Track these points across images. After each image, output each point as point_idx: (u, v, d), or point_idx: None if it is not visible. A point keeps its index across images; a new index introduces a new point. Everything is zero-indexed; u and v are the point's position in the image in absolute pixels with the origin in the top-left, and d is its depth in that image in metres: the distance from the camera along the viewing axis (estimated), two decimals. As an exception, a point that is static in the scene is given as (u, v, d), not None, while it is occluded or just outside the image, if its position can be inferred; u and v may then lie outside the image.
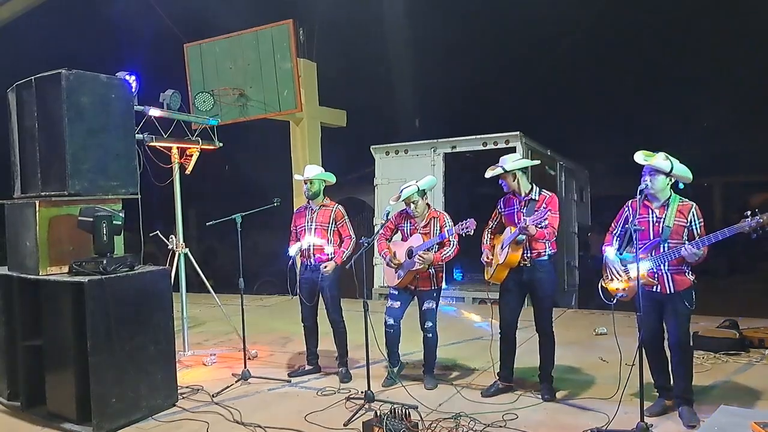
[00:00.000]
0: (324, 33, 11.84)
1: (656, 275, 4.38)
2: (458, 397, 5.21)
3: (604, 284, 4.59)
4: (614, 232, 4.66)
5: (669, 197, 4.43)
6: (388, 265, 5.57)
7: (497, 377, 5.31)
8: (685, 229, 4.35)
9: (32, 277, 4.86)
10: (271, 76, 9.59)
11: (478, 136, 10.29)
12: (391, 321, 5.54)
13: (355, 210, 13.77)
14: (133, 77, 5.65)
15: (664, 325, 4.51)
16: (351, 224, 5.91)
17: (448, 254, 5.35)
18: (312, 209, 5.89)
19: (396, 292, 5.57)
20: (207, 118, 7.21)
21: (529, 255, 5.00)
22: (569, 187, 12.29)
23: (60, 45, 10.89)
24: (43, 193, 4.83)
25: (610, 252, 4.57)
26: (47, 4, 12.33)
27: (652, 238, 4.40)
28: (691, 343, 4.61)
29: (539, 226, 4.79)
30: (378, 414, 4.57)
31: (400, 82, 14.85)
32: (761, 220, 3.94)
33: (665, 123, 15.80)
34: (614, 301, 4.49)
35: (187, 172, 6.86)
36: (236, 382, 5.79)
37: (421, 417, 4.65)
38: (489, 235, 5.28)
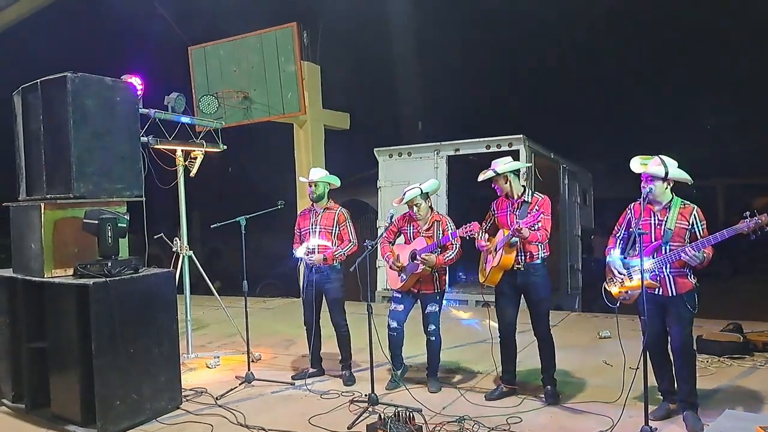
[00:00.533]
0: (328, 36, 11.85)
1: (658, 278, 4.38)
2: (462, 401, 5.21)
3: (607, 287, 4.58)
4: (617, 235, 4.65)
5: (670, 200, 4.42)
6: (391, 268, 5.57)
7: (500, 381, 5.31)
8: (687, 232, 4.34)
9: (37, 279, 4.87)
10: (275, 78, 9.63)
11: (482, 139, 10.29)
12: (394, 324, 5.54)
13: (358, 212, 13.78)
14: (138, 80, 5.65)
15: (667, 328, 4.50)
16: (353, 228, 5.92)
17: (450, 257, 5.36)
18: (316, 212, 5.90)
19: (399, 295, 5.58)
20: (211, 120, 7.22)
21: (522, 258, 5.01)
22: (572, 190, 12.28)
23: (65, 48, 10.93)
24: (48, 196, 4.85)
25: (613, 255, 4.57)
26: (53, 6, 12.37)
27: (653, 241, 4.40)
28: (695, 347, 4.60)
29: (532, 228, 4.78)
30: (382, 417, 4.57)
31: (403, 84, 14.88)
32: (759, 221, 3.95)
33: (668, 125, 15.81)
34: (617, 305, 4.49)
35: (192, 174, 6.87)
36: (240, 384, 5.79)
37: (425, 420, 4.65)
38: (484, 234, 5.27)
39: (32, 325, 5.07)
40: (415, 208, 5.45)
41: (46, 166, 4.86)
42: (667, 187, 4.39)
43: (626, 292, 4.43)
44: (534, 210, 4.95)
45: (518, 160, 9.40)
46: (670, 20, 13.46)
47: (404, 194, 5.45)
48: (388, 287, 6.00)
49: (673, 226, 4.34)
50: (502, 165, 5.09)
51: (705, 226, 4.34)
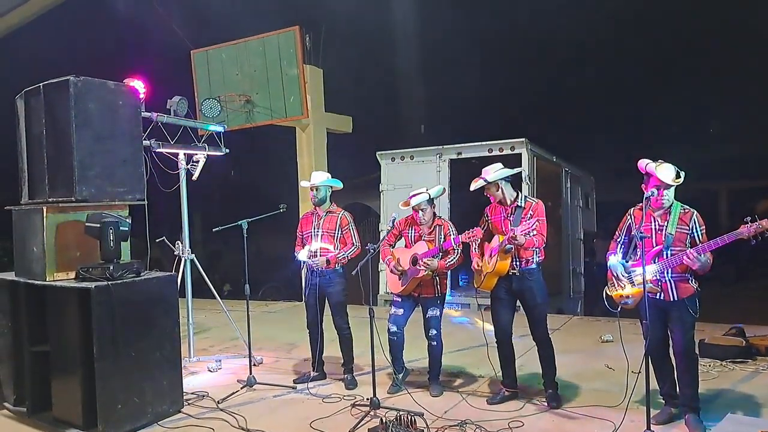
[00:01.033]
0: (330, 39, 11.87)
1: (659, 283, 4.37)
2: (464, 405, 5.20)
3: (608, 292, 4.58)
4: (618, 240, 4.65)
5: (671, 205, 4.42)
6: (392, 271, 5.57)
7: (502, 385, 5.30)
8: (688, 236, 4.34)
9: (39, 282, 4.88)
10: (278, 82, 9.65)
11: (484, 143, 10.29)
12: (394, 328, 5.53)
13: (360, 216, 13.79)
14: (141, 84, 5.67)
15: (669, 332, 4.49)
16: (356, 231, 5.92)
17: (452, 262, 5.35)
18: (319, 215, 5.90)
19: (399, 300, 5.57)
20: (214, 124, 7.23)
21: (517, 264, 5.01)
22: (575, 194, 12.26)
23: (68, 52, 10.97)
24: (50, 199, 4.86)
25: (613, 260, 4.56)
26: (55, 11, 12.41)
27: (655, 245, 4.39)
28: (697, 351, 4.59)
29: (527, 234, 4.78)
30: (383, 421, 4.57)
31: (406, 88, 14.89)
32: (760, 226, 3.95)
33: (671, 129, 15.80)
34: (618, 309, 4.48)
35: (194, 178, 6.88)
36: (241, 388, 5.79)
37: (426, 424, 4.64)
38: (477, 242, 5.27)
39: (34, 329, 5.08)
40: (420, 213, 5.45)
41: (49, 169, 4.87)
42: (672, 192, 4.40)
43: (627, 297, 4.42)
44: (528, 215, 4.95)
45: (520, 164, 9.41)
46: (673, 24, 13.46)
47: (411, 198, 5.44)
48: (389, 291, 5.99)
49: (674, 231, 4.34)
50: (493, 173, 5.08)
51: (704, 230, 4.34)
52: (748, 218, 4.01)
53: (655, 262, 4.36)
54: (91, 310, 4.51)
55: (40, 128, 4.89)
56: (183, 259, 6.71)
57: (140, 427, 4.79)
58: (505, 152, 9.87)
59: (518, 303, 5.21)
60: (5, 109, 5.45)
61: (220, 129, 7.07)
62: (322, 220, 5.86)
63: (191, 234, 6.96)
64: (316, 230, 5.85)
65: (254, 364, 6.28)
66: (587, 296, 12.29)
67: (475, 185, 5.15)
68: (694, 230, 4.34)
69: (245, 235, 5.84)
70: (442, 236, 5.41)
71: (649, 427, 4.04)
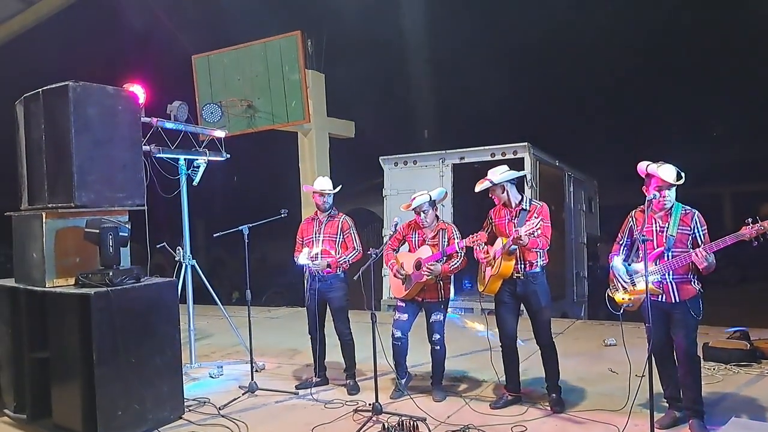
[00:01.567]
0: (332, 44, 11.88)
1: (661, 284, 4.34)
2: (467, 409, 5.17)
3: (610, 294, 4.55)
4: (620, 242, 4.63)
5: (671, 206, 4.40)
6: (395, 276, 5.54)
7: (505, 389, 5.27)
8: (690, 237, 4.32)
9: (39, 289, 4.86)
10: (279, 87, 9.66)
11: (487, 147, 10.27)
12: (398, 334, 5.50)
13: (363, 221, 13.76)
14: (141, 89, 5.66)
15: (671, 335, 4.46)
16: (358, 236, 5.89)
17: (455, 266, 5.33)
18: (320, 221, 5.89)
19: (403, 305, 5.54)
20: (215, 129, 7.22)
21: (522, 267, 4.98)
22: (578, 198, 12.23)
23: (68, 58, 10.99)
24: (50, 205, 4.85)
25: (616, 262, 4.54)
26: (56, 17, 12.46)
27: (656, 247, 4.37)
28: (699, 354, 4.56)
29: (531, 235, 4.75)
30: (386, 426, 4.55)
31: (408, 93, 14.89)
32: (762, 228, 3.94)
33: (674, 132, 15.74)
34: (621, 312, 4.45)
35: (194, 183, 6.87)
36: (243, 394, 5.76)
37: (429, 429, 4.62)
38: (483, 245, 5.23)
39: (34, 335, 5.05)
40: (422, 215, 5.43)
41: (48, 175, 4.86)
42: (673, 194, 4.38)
43: (629, 299, 4.39)
44: (533, 218, 4.92)
45: (523, 168, 9.39)
46: (676, 27, 13.44)
47: (412, 200, 5.42)
48: (393, 296, 5.96)
49: (675, 233, 4.32)
50: (499, 175, 5.07)
51: (706, 231, 4.33)
52: (750, 219, 4.01)
53: (656, 264, 4.33)
54: (91, 316, 4.49)
55: (40, 134, 4.88)
56: (184, 265, 6.69)
57: (141, 434, 4.77)
58: (507, 156, 9.85)
59: (522, 307, 5.18)
60: (5, 114, 5.45)
61: (220, 134, 7.05)
62: (323, 225, 5.85)
63: (193, 240, 6.94)
64: (317, 235, 5.84)
65: (256, 370, 6.25)
66: (591, 300, 12.24)
67: (480, 186, 5.13)
68: (696, 231, 4.32)
69: (246, 241, 5.83)
70: (446, 240, 5.39)
71: (652, 431, 4.00)
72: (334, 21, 11.79)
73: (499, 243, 5.03)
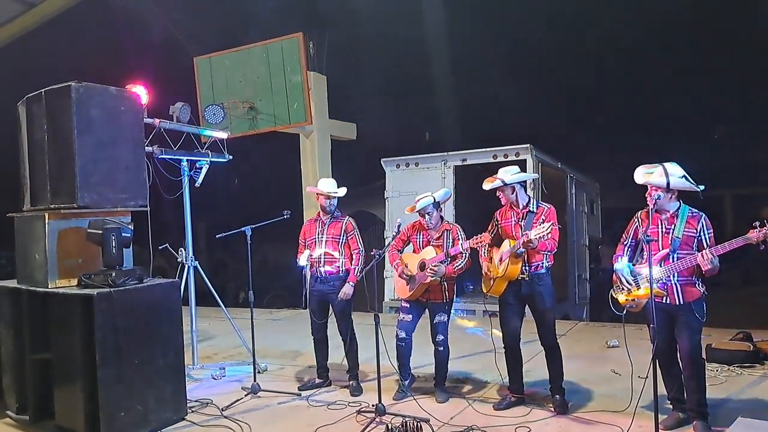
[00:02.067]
0: (334, 46, 11.88)
1: (665, 286, 4.33)
2: (470, 411, 5.16)
3: (614, 294, 4.55)
4: (625, 243, 4.62)
5: (678, 208, 4.39)
6: (400, 276, 5.53)
7: (508, 390, 5.25)
8: (695, 240, 4.32)
9: (41, 290, 4.86)
10: (281, 89, 9.65)
11: (489, 149, 10.27)
12: (402, 334, 5.50)
13: (365, 223, 13.75)
14: (143, 89, 5.66)
15: (675, 337, 4.45)
16: (361, 237, 5.89)
17: (460, 266, 5.32)
18: (323, 222, 5.88)
19: (408, 305, 5.54)
20: (217, 130, 7.22)
21: (527, 269, 4.97)
22: (579, 200, 12.22)
23: (70, 59, 11.00)
24: (52, 206, 4.84)
25: (620, 263, 4.53)
26: (58, 18, 12.48)
27: (661, 249, 4.36)
28: (704, 356, 4.55)
29: (540, 238, 4.74)
30: (389, 427, 4.54)
31: (410, 95, 14.87)
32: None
33: (676, 135, 15.72)
34: (624, 312, 4.44)
35: (197, 184, 6.86)
36: (246, 395, 5.75)
37: (432, 430, 4.62)
38: (486, 246, 5.23)
39: (36, 337, 5.04)
40: (426, 217, 5.42)
41: (51, 176, 4.86)
42: (672, 197, 4.36)
43: (633, 300, 4.38)
44: (540, 221, 4.91)
45: (525, 170, 9.38)
46: (677, 30, 13.42)
47: (417, 202, 5.42)
48: (396, 297, 5.96)
49: (681, 235, 4.32)
50: (510, 175, 5.06)
51: (712, 234, 4.33)
52: (757, 223, 4.01)
53: (661, 266, 4.33)
54: (94, 317, 4.49)
55: (42, 134, 4.88)
56: (186, 266, 6.69)
57: (143, 435, 4.76)
58: (510, 158, 9.86)
59: (526, 308, 5.17)
60: (7, 115, 5.45)
61: (223, 135, 7.05)
62: (326, 226, 5.84)
63: (196, 241, 6.94)
64: (320, 236, 5.83)
65: (259, 372, 6.24)
66: (593, 302, 12.22)
67: (490, 185, 5.10)
68: (702, 234, 4.31)
69: (249, 242, 5.82)
70: (451, 241, 5.38)
71: (657, 432, 3.99)
72: (337, 23, 11.79)
73: (506, 245, 5.01)
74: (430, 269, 5.24)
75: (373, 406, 5.03)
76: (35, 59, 12.21)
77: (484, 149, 10.36)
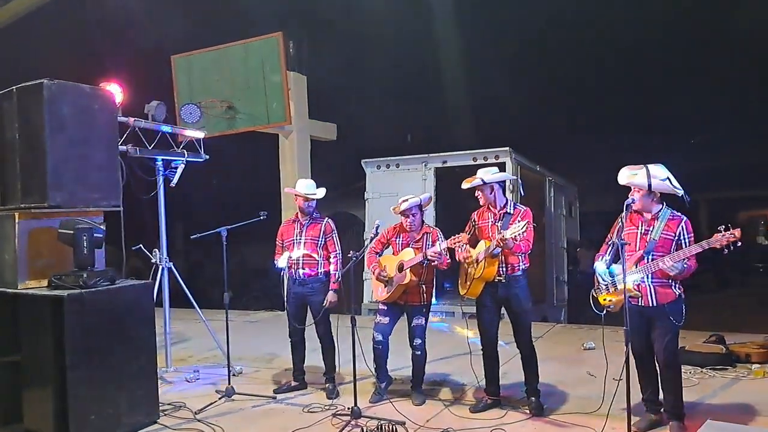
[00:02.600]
0: (314, 46, 11.84)
1: (638, 287, 4.37)
2: (446, 413, 5.16)
3: (594, 295, 4.57)
4: (609, 242, 4.65)
5: (659, 210, 4.42)
6: (377, 279, 5.51)
7: (485, 393, 5.26)
8: (674, 243, 4.34)
9: (10, 290, 4.76)
10: (260, 88, 9.60)
11: (469, 152, 10.31)
12: (379, 337, 5.48)
13: (345, 225, 13.70)
14: (118, 87, 5.58)
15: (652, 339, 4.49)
16: (339, 240, 5.86)
17: (439, 257, 5.26)
18: (301, 223, 5.84)
19: (385, 308, 5.52)
20: (193, 129, 7.15)
21: (504, 270, 4.98)
22: (558, 203, 12.30)
23: (43, 56, 10.82)
24: (22, 205, 4.75)
25: (599, 264, 4.56)
26: (30, 16, 12.28)
27: (637, 249, 4.39)
28: (679, 359, 4.58)
29: (515, 239, 4.75)
30: (364, 430, 4.53)
31: (390, 96, 14.87)
32: (732, 236, 3.99)
33: (654, 139, 15.91)
34: (604, 312, 4.47)
35: (172, 184, 6.79)
36: (220, 398, 5.68)
37: (407, 433, 4.59)
38: (464, 246, 5.23)
39: (6, 338, 4.92)
40: (410, 218, 5.41)
41: (22, 174, 4.76)
42: (653, 199, 4.39)
43: (611, 300, 4.41)
44: (516, 221, 4.93)
45: (504, 172, 9.41)
46: (657, 35, 13.57)
47: (401, 203, 5.40)
48: (374, 300, 5.94)
49: (658, 237, 4.35)
50: (490, 175, 5.09)
51: (692, 238, 4.35)
52: (722, 227, 4.04)
53: (636, 267, 4.36)
54: (64, 318, 4.41)
55: (13, 132, 4.78)
56: (160, 268, 6.60)
57: (114, 439, 4.68)
58: (489, 161, 9.89)
59: (503, 311, 5.18)
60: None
61: (199, 135, 6.98)
62: (305, 227, 5.80)
63: (171, 242, 6.85)
64: (298, 237, 5.79)
65: (233, 374, 6.19)
66: (570, 304, 12.31)
67: (469, 184, 5.12)
68: (682, 237, 4.33)
69: (225, 243, 5.76)
70: (430, 243, 5.38)
71: (629, 434, 4.02)
72: (316, 23, 11.75)
73: (482, 246, 5.02)
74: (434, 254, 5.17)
75: (348, 409, 5.01)
76: (6, 56, 11.99)
77: (464, 152, 10.40)
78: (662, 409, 4.57)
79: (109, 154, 5.11)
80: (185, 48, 10.11)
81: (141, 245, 6.42)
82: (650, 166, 4.36)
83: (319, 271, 5.75)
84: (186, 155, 6.79)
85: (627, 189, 4.48)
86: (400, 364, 6.04)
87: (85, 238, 4.68)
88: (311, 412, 5.29)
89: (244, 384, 6.13)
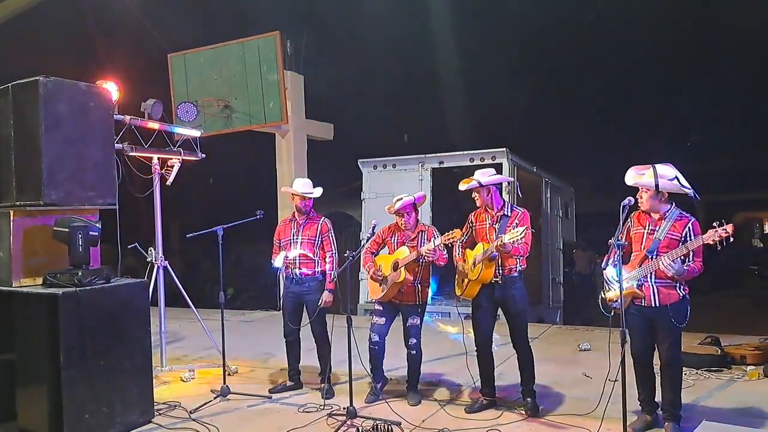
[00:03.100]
0: (312, 46, 11.82)
1: (641, 286, 4.37)
2: (442, 414, 5.15)
3: (603, 295, 4.57)
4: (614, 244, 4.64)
5: (668, 210, 4.40)
6: (372, 278, 5.51)
7: (480, 393, 5.25)
8: (680, 243, 4.30)
9: (5, 289, 4.73)
10: (257, 87, 9.58)
11: (466, 152, 10.32)
12: (376, 338, 5.48)
13: (342, 224, 13.69)
14: (114, 85, 5.56)
15: (653, 339, 4.49)
16: (336, 239, 5.85)
17: (434, 254, 5.26)
18: (298, 222, 5.83)
19: (381, 308, 5.52)
20: (190, 128, 7.13)
21: (500, 272, 4.98)
22: (554, 204, 12.31)
23: (40, 53, 10.78)
24: (18, 203, 4.72)
25: (609, 267, 4.56)
26: (28, 12, 12.22)
27: (642, 249, 4.39)
28: (681, 359, 4.59)
29: (514, 243, 4.75)
30: (360, 430, 4.51)
31: (387, 96, 14.87)
32: (725, 231, 3.99)
33: (650, 141, 15.95)
34: (611, 313, 4.47)
35: (168, 183, 6.76)
36: (215, 398, 5.66)
37: (403, 433, 4.58)
38: (460, 247, 5.23)
39: (0, 337, 4.92)
40: (405, 217, 5.41)
41: (17, 172, 4.73)
42: (662, 199, 4.37)
43: (615, 301, 4.41)
44: (514, 224, 4.93)
45: (501, 173, 9.42)
46: (652, 37, 13.60)
47: (395, 202, 5.40)
48: (370, 299, 5.93)
49: (663, 237, 4.34)
50: (487, 177, 5.08)
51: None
52: (716, 223, 4.04)
53: (640, 267, 4.36)
54: (59, 317, 4.39)
55: (9, 130, 4.75)
56: (156, 266, 6.58)
57: (109, 438, 4.66)
58: (486, 162, 9.90)
59: (499, 312, 5.18)
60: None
61: (195, 134, 6.96)
62: (302, 227, 5.79)
63: (168, 241, 6.84)
64: (295, 237, 5.78)
65: (229, 374, 6.17)
66: (566, 305, 12.32)
67: (466, 185, 5.10)
68: (689, 238, 4.29)
69: (221, 242, 5.75)
70: (426, 241, 5.37)
71: (625, 436, 4.02)
72: (315, 23, 11.73)
73: (480, 248, 5.02)
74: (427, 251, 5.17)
75: (344, 409, 5.00)
76: (2, 53, 11.93)
77: (461, 152, 10.41)
78: (659, 409, 4.57)
79: (105, 152, 5.08)
80: (182, 46, 10.07)
81: (137, 244, 6.40)
82: (658, 166, 4.34)
83: (316, 270, 5.75)
84: (182, 154, 6.77)
85: (625, 189, 4.47)
86: (395, 364, 6.04)
87: (80, 236, 4.66)
88: (306, 411, 5.28)
89: (240, 383, 6.12)
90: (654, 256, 4.33)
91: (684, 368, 5.99)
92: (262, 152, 12.08)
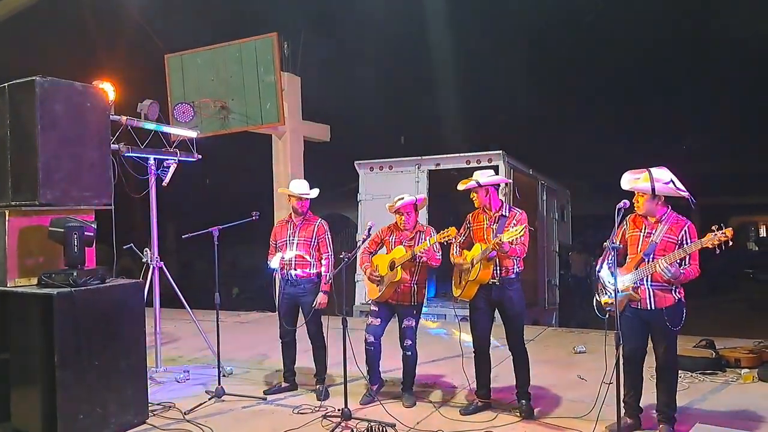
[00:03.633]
0: (309, 47, 11.82)
1: (637, 289, 4.38)
2: (437, 415, 5.15)
3: (598, 298, 4.58)
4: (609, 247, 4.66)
5: (664, 214, 4.41)
6: (369, 279, 5.51)
7: (475, 395, 5.26)
8: (676, 247, 4.30)
9: (0, 288, 4.72)
10: (254, 88, 9.56)
11: (462, 154, 10.32)
12: (371, 339, 5.48)
13: (338, 226, 13.70)
14: (110, 86, 5.56)
15: (649, 342, 4.50)
16: (332, 241, 5.85)
17: (429, 254, 5.28)
18: (294, 224, 5.83)
19: (377, 309, 5.52)
20: (186, 129, 7.13)
21: (498, 273, 4.99)
22: (550, 206, 12.32)
23: (36, 53, 10.77)
24: (13, 203, 4.72)
25: (603, 269, 4.57)
26: (25, 12, 12.20)
27: (638, 252, 4.39)
28: (677, 363, 4.60)
29: (512, 243, 4.76)
30: (354, 432, 4.50)
31: (384, 98, 14.89)
32: (724, 235, 4.00)
33: (645, 144, 15.99)
34: (606, 316, 4.47)
35: (164, 183, 6.76)
36: (209, 399, 5.66)
37: (398, 435, 4.58)
38: (457, 248, 5.24)
39: (-6, 336, 4.91)
40: (405, 216, 5.41)
41: (12, 172, 4.72)
42: (658, 202, 4.38)
43: (611, 304, 4.41)
44: (512, 224, 4.93)
45: (497, 175, 9.43)
46: (647, 40, 13.64)
47: (396, 201, 5.41)
48: (367, 300, 5.93)
49: (659, 240, 4.35)
50: (486, 177, 5.10)
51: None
52: (715, 227, 4.05)
53: (636, 269, 4.37)
54: (54, 317, 4.38)
55: (5, 130, 4.75)
56: (151, 267, 6.57)
57: (103, 439, 4.65)
58: (482, 164, 9.90)
59: (496, 313, 5.18)
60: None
61: (192, 134, 6.96)
62: (298, 228, 5.79)
63: (164, 242, 6.83)
64: (291, 238, 5.78)
65: (224, 375, 6.16)
66: (562, 308, 12.33)
67: (465, 186, 5.12)
68: (685, 241, 4.30)
69: (216, 243, 5.74)
70: (423, 241, 5.37)
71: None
72: (312, 24, 11.74)
73: (477, 248, 5.03)
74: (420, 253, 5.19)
75: (339, 410, 4.99)
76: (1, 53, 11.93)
77: (457, 154, 10.40)
78: (654, 411, 4.58)
79: (101, 152, 5.08)
80: (179, 47, 10.07)
81: (132, 244, 6.39)
82: (653, 170, 4.35)
83: (312, 271, 5.75)
84: (179, 154, 6.76)
85: (621, 192, 4.47)
86: (391, 365, 6.04)
87: (75, 236, 4.66)
88: (301, 413, 5.28)
89: (235, 385, 6.11)
90: (650, 259, 4.34)
91: (679, 371, 6.03)
92: (259, 153, 12.07)
